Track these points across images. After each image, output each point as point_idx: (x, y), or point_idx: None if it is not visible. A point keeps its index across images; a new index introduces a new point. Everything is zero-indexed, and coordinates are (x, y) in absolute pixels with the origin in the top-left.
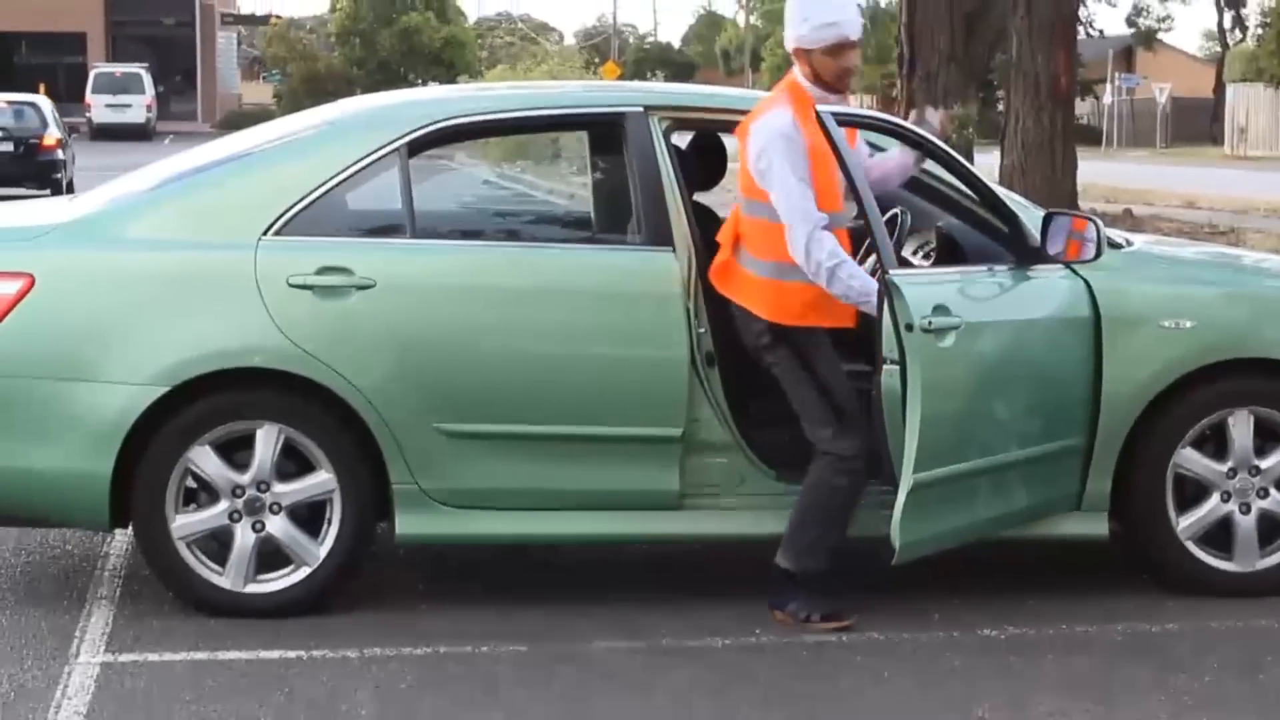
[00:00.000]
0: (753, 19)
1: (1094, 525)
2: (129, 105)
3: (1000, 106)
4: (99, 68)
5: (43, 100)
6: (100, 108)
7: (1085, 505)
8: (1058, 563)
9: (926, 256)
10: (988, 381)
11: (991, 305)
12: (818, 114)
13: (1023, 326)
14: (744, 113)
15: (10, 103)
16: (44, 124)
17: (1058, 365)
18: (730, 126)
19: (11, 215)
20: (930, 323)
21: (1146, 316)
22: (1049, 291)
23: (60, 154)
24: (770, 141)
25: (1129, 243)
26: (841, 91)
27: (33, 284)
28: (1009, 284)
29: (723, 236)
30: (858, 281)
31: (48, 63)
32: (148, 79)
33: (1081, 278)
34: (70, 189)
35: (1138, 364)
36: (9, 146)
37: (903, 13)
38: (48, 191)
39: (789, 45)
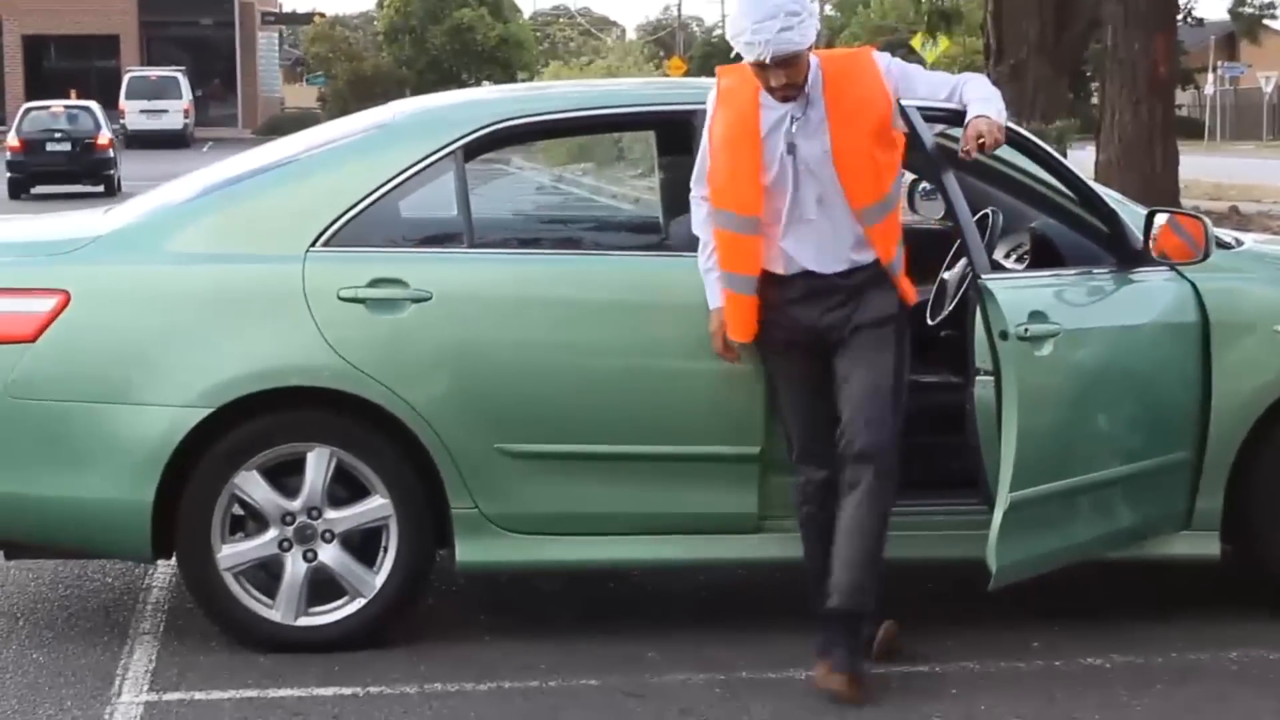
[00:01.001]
0: (827, 9)
1: (1204, 545)
2: (165, 111)
3: (1095, 99)
4: (133, 72)
5: (94, 105)
6: (135, 114)
7: (1194, 524)
8: (1164, 586)
9: (1020, 259)
10: (1088, 392)
11: (1092, 311)
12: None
13: (1126, 333)
14: None
15: (66, 107)
16: (97, 126)
17: (1164, 374)
18: None
19: (44, 229)
20: (1026, 330)
21: (1259, 321)
22: (1153, 295)
23: (111, 153)
24: None
25: (1238, 242)
26: (781, 100)
27: (68, 301)
28: (1110, 288)
29: None
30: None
31: (79, 67)
32: (185, 83)
33: (1188, 280)
34: (119, 186)
35: (1250, 372)
36: (66, 146)
37: (989, 0)
38: (101, 188)
39: None
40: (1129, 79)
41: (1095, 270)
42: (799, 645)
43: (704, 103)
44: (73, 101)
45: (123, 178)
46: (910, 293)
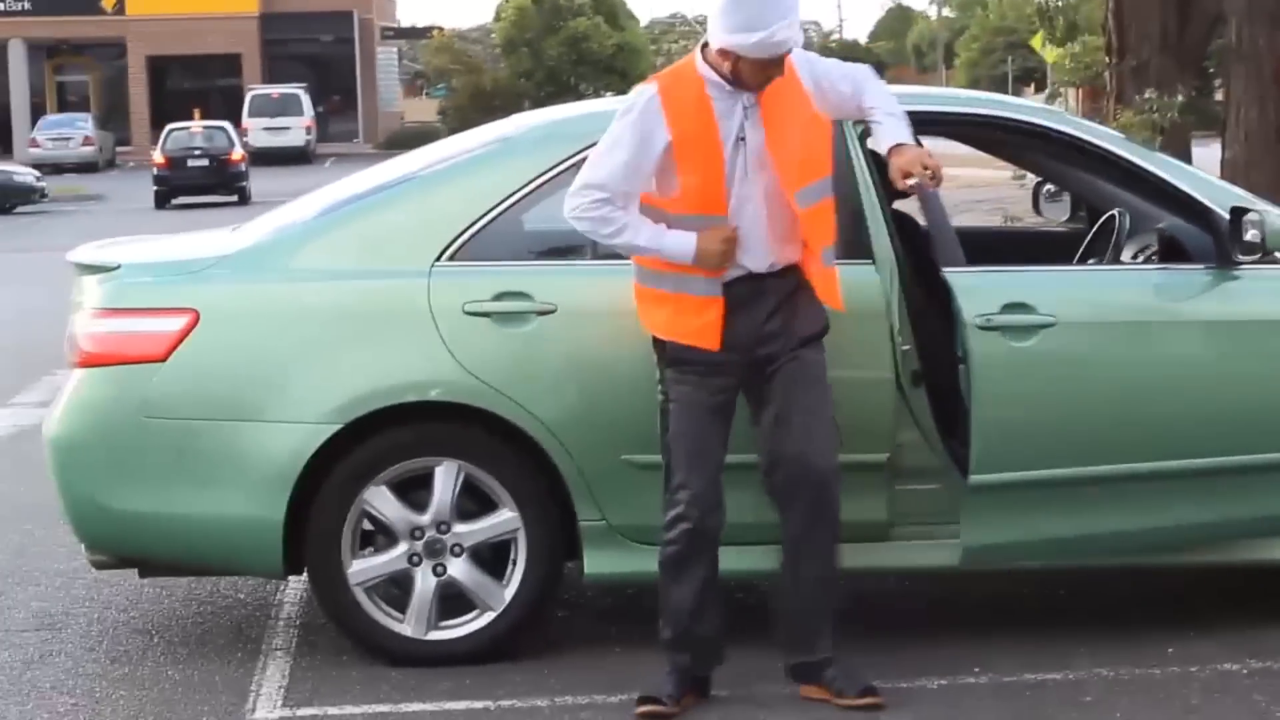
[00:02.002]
0: (945, 11)
1: None
2: (287, 128)
3: (1219, 96)
4: (255, 90)
5: (227, 124)
6: (257, 131)
7: None
8: None
9: (1149, 260)
10: (1092, 385)
11: (1114, 304)
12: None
13: (1164, 328)
14: (946, 113)
15: (205, 127)
16: (230, 143)
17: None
18: (931, 128)
19: (173, 248)
20: (990, 320)
21: None
22: (1238, 293)
23: (243, 167)
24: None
25: None
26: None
27: (197, 320)
28: (1168, 282)
29: None
30: (642, 236)
31: (200, 87)
32: (306, 100)
33: None
34: (250, 197)
35: None
36: (205, 162)
37: None
38: (235, 198)
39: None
40: (1254, 75)
41: (1187, 267)
42: (928, 654)
43: None
44: (209, 121)
45: (251, 190)
46: (836, 296)
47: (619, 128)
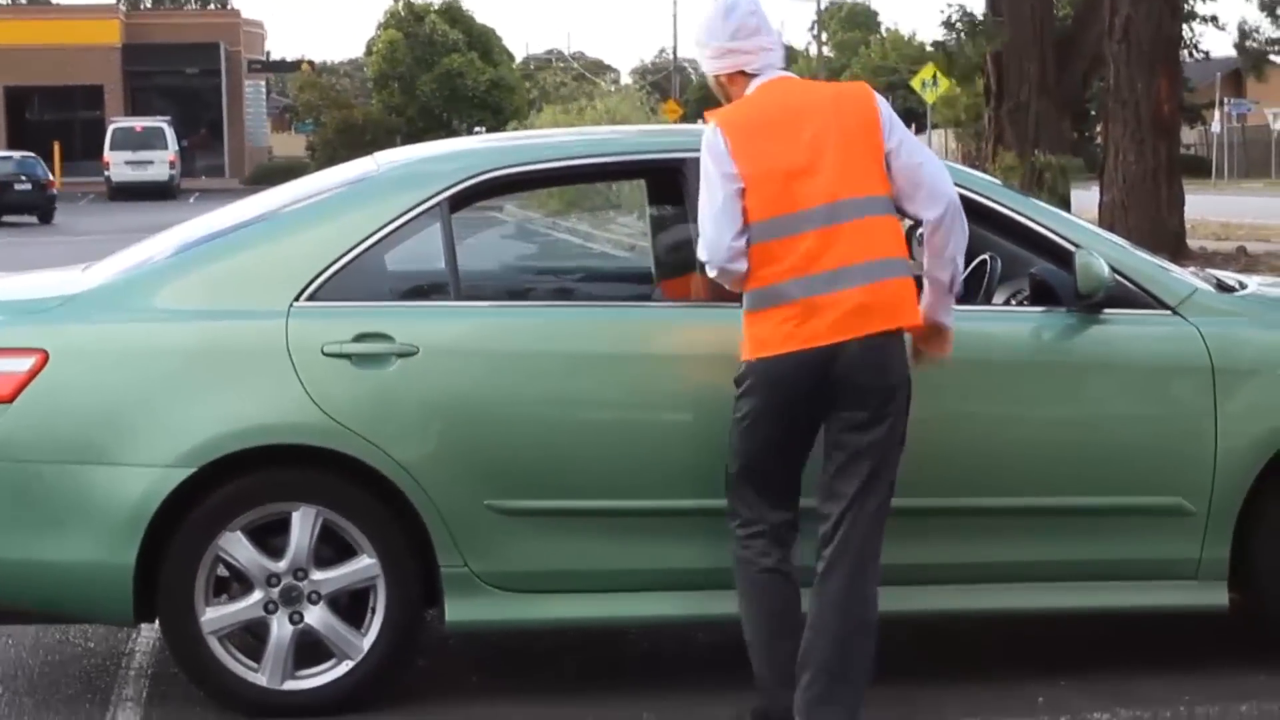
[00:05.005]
0: (825, 49)
1: (1210, 595)
2: (150, 162)
3: (1098, 140)
4: (117, 122)
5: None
6: (119, 165)
7: (1201, 573)
8: (1171, 638)
9: (1021, 304)
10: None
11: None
12: None
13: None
14: None
15: (143, 128)
16: (47, 173)
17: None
18: None
19: (21, 286)
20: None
21: (1263, 366)
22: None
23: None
24: None
25: (1242, 285)
26: None
27: (46, 360)
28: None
29: None
30: None
31: (62, 118)
32: (170, 133)
33: (1191, 324)
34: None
35: (1256, 417)
36: (28, 186)
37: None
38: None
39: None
40: (1132, 118)
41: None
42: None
43: (694, 150)
44: (146, 120)
45: (103, 231)
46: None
47: None
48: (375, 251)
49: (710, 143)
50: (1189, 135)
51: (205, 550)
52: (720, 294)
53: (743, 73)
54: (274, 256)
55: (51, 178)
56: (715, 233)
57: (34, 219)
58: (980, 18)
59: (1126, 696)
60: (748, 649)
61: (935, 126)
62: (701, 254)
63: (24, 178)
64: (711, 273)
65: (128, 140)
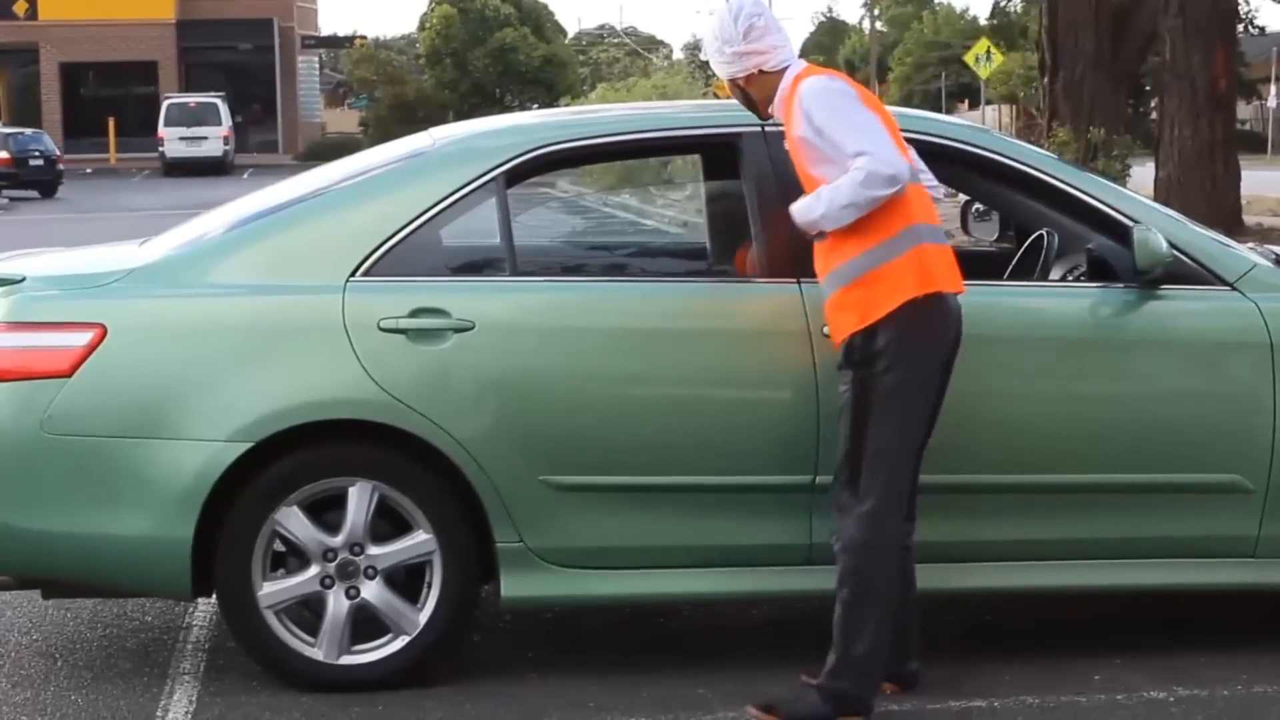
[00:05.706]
0: (879, 25)
1: (1270, 573)
2: (204, 138)
3: (1154, 115)
4: (171, 98)
5: (220, 101)
6: (173, 141)
7: (1260, 551)
8: (1229, 617)
9: (1078, 280)
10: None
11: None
12: None
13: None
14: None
15: (197, 104)
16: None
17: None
18: None
19: (79, 262)
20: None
21: None
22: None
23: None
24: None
25: None
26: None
27: (104, 335)
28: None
29: None
30: None
31: (116, 94)
32: (224, 109)
33: (1250, 299)
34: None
35: None
36: (41, 161)
37: (1043, 14)
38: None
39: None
40: (1188, 93)
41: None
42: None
43: (749, 124)
44: (201, 97)
45: (158, 208)
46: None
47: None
48: (431, 227)
49: (837, 86)
50: (1244, 110)
51: (262, 525)
52: (777, 269)
53: (762, 71)
54: (330, 232)
55: (59, 153)
56: (891, 149)
57: (35, 194)
58: None
59: (1183, 675)
60: (863, 634)
61: (989, 102)
62: (883, 168)
63: (38, 153)
64: (887, 190)
65: (182, 116)
